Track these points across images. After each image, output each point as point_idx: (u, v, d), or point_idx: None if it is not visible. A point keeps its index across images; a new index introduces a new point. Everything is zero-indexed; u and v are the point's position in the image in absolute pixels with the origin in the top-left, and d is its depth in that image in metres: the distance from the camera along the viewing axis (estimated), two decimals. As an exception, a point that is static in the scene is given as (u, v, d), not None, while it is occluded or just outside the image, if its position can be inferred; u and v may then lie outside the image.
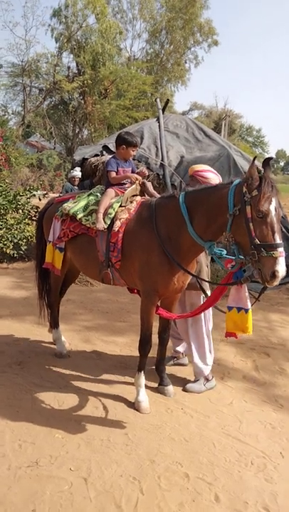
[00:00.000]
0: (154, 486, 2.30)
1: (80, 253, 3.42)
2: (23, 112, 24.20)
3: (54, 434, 2.72)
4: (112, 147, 7.71)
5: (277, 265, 2.38)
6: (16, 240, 7.42)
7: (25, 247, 7.53)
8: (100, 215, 3.15)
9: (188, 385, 3.38)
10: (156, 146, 7.73)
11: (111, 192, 3.30)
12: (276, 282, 2.43)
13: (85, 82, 21.47)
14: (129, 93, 22.38)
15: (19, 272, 7.07)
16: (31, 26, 41.30)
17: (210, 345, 3.44)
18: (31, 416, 2.89)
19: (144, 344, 3.12)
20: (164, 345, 3.39)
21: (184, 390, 3.36)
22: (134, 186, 3.27)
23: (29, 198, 8.14)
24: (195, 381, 3.41)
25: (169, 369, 3.60)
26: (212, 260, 3.47)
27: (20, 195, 8.02)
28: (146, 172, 3.56)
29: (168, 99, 11.11)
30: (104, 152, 8.08)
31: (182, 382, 3.46)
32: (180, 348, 3.82)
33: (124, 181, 3.37)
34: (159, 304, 3.15)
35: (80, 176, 8.21)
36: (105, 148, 8.17)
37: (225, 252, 2.75)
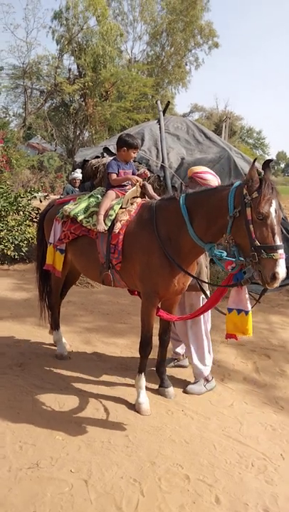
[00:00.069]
0: (155, 487, 2.30)
1: (80, 255, 3.42)
2: (24, 114, 24.28)
3: (55, 435, 2.72)
4: (113, 149, 7.73)
5: (277, 267, 2.39)
6: (16, 242, 7.43)
7: (26, 248, 7.54)
8: (101, 217, 3.15)
9: (189, 387, 3.38)
10: (157, 148, 7.75)
11: (112, 194, 3.31)
12: (276, 284, 2.43)
13: (86, 84, 21.51)
14: (129, 95, 22.42)
15: (20, 274, 7.08)
16: (32, 28, 42.03)
17: (209, 346, 3.44)
18: (32, 418, 2.90)
19: (145, 346, 3.12)
20: (164, 347, 3.39)
21: (185, 391, 3.36)
22: (134, 188, 3.28)
23: (30, 200, 8.16)
24: (195, 382, 3.41)
25: (170, 371, 3.60)
26: (212, 262, 3.47)
27: (22, 197, 8.03)
28: (148, 173, 3.57)
29: (168, 101, 11.13)
30: (104, 154, 8.10)
31: (182, 384, 3.46)
32: (180, 350, 3.82)
33: (125, 183, 3.38)
34: (159, 305, 3.15)
35: (80, 178, 8.23)
36: (106, 150, 8.19)
37: (225, 253, 2.76)
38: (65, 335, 4.13)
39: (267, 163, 2.50)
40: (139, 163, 7.29)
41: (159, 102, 9.90)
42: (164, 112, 9.14)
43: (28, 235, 7.60)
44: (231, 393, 3.38)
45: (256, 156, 34.03)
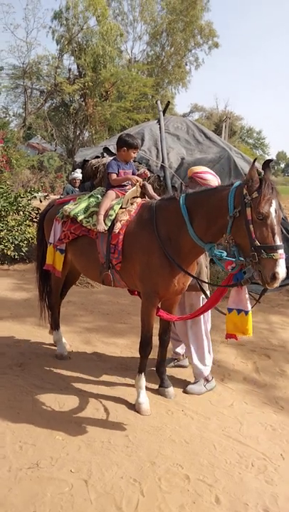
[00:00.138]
0: (155, 487, 2.31)
1: (80, 255, 3.42)
2: (24, 114, 24.28)
3: (55, 435, 2.72)
4: (113, 149, 7.73)
5: (277, 267, 2.39)
6: (16, 242, 7.43)
7: (26, 248, 7.54)
8: (101, 217, 3.16)
9: (189, 387, 3.38)
10: (157, 148, 7.75)
11: (112, 194, 3.31)
12: (276, 284, 2.43)
13: (86, 84, 21.52)
14: (129, 95, 22.43)
15: (20, 274, 7.08)
16: (32, 28, 42.06)
17: (209, 346, 3.44)
18: (32, 418, 2.90)
19: (145, 346, 3.12)
20: (164, 347, 3.39)
21: (185, 391, 3.36)
22: (134, 188, 3.28)
23: (30, 200, 8.16)
24: (195, 382, 3.41)
25: (170, 371, 3.60)
26: (212, 262, 3.47)
27: (21, 197, 8.03)
28: (148, 173, 3.57)
29: (168, 101, 11.13)
30: (104, 154, 8.10)
31: (182, 384, 3.46)
32: (180, 350, 3.82)
33: (125, 183, 3.38)
34: (159, 305, 3.15)
35: (80, 178, 8.23)
36: (106, 150, 8.19)
37: (225, 253, 2.76)
38: (65, 335, 4.13)
39: (267, 163, 2.50)
40: (139, 163, 7.29)
41: (159, 102, 9.91)
42: (164, 111, 9.14)
43: (28, 235, 7.60)
44: (231, 393, 3.38)
45: (256, 156, 34.03)
